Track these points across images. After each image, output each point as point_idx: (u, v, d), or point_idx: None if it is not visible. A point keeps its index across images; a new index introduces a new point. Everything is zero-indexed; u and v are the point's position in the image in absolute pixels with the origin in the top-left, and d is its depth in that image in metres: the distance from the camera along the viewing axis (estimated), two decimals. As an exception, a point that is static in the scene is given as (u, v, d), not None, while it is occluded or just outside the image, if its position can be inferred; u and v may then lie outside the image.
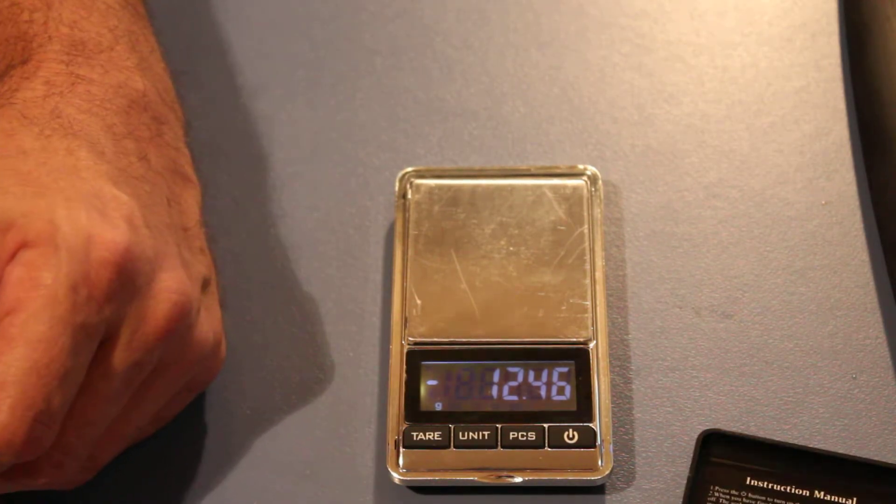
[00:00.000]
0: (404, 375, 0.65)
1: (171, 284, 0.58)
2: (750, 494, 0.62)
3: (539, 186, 0.70)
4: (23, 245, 0.55)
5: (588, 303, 0.66)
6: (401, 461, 0.63)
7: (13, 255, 0.55)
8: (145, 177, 0.60)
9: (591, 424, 0.63)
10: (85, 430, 0.57)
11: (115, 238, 0.56)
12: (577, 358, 0.65)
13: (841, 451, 0.63)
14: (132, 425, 0.60)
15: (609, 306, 0.68)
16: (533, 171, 0.70)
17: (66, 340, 0.54)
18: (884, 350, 0.67)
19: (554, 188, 0.70)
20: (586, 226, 0.68)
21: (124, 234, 0.56)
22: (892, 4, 0.71)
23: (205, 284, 0.62)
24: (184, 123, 0.66)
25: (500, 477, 0.63)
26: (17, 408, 0.53)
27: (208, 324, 0.61)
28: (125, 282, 0.56)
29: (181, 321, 0.58)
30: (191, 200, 0.63)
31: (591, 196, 0.69)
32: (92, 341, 0.55)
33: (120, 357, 0.57)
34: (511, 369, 0.65)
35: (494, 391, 0.64)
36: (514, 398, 0.64)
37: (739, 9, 0.76)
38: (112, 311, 0.56)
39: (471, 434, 0.63)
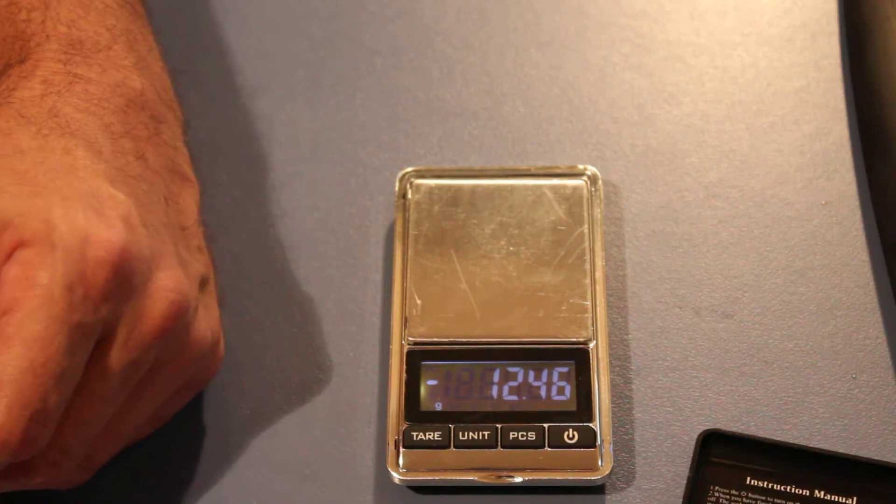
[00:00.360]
0: (404, 375, 0.65)
1: (167, 283, 0.58)
2: (750, 494, 0.62)
3: (539, 186, 0.70)
4: (19, 244, 0.55)
5: (588, 303, 0.66)
6: (401, 461, 0.63)
7: (10, 255, 0.55)
8: (143, 176, 0.60)
9: (591, 424, 0.63)
10: (81, 429, 0.57)
11: (111, 237, 0.56)
12: (577, 358, 0.65)
13: (841, 451, 0.63)
14: (129, 424, 0.60)
15: (609, 306, 0.68)
16: (533, 171, 0.70)
17: (63, 340, 0.54)
18: (884, 350, 0.67)
19: (554, 188, 0.69)
20: (586, 226, 0.68)
21: (121, 233, 0.56)
22: (892, 4, 0.71)
23: (203, 283, 0.62)
24: (182, 122, 0.66)
25: (500, 477, 0.63)
26: (14, 407, 0.53)
27: (206, 322, 0.61)
28: (121, 281, 0.56)
29: (178, 320, 0.58)
30: (189, 199, 0.63)
31: (591, 196, 0.69)
32: (88, 341, 0.55)
33: (116, 356, 0.57)
34: (511, 369, 0.65)
35: (494, 391, 0.64)
36: (514, 398, 0.64)
37: (739, 9, 0.76)
38: (108, 310, 0.56)
39: (471, 434, 0.63)
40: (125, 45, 0.63)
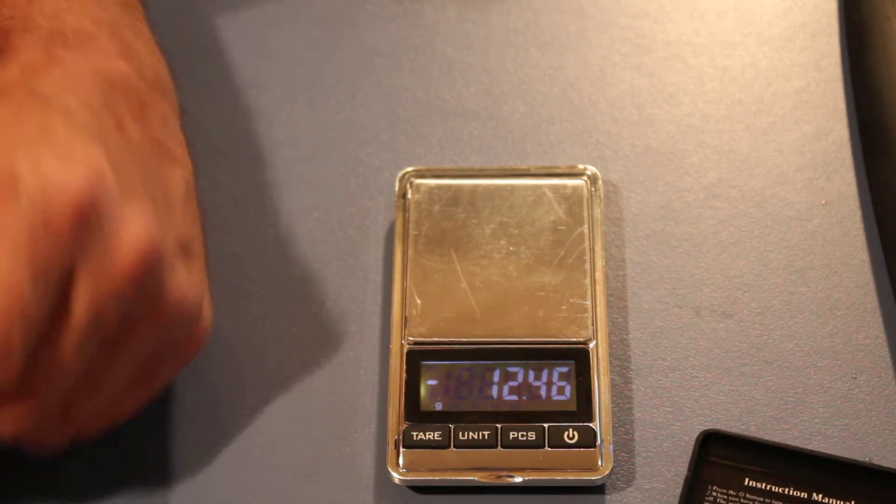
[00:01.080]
0: (404, 375, 0.65)
1: (138, 232, 0.57)
2: (748, 495, 0.62)
3: (539, 186, 0.70)
4: None
5: (588, 303, 0.66)
6: (401, 461, 0.63)
7: None
8: (119, 145, 0.59)
9: (591, 424, 0.63)
10: (53, 378, 0.57)
11: (77, 183, 0.55)
12: (577, 358, 0.65)
13: (841, 452, 0.63)
14: (108, 387, 0.59)
15: (609, 306, 0.68)
16: (533, 171, 0.70)
17: (27, 286, 0.54)
18: (884, 350, 0.67)
19: (554, 188, 0.69)
20: (586, 226, 0.68)
21: (87, 179, 0.55)
22: (892, 4, 0.71)
23: (186, 244, 0.61)
24: (177, 108, 0.66)
25: (500, 477, 0.63)
26: None
27: (188, 284, 0.60)
28: (87, 227, 0.55)
29: (147, 269, 0.57)
30: (175, 175, 0.62)
31: (591, 196, 0.69)
32: (53, 286, 0.55)
33: (83, 303, 0.56)
34: (511, 369, 0.65)
35: (494, 391, 0.64)
36: (514, 398, 0.64)
37: (739, 9, 0.76)
38: (74, 256, 0.55)
39: (471, 434, 0.63)
40: (109, 34, 0.63)
